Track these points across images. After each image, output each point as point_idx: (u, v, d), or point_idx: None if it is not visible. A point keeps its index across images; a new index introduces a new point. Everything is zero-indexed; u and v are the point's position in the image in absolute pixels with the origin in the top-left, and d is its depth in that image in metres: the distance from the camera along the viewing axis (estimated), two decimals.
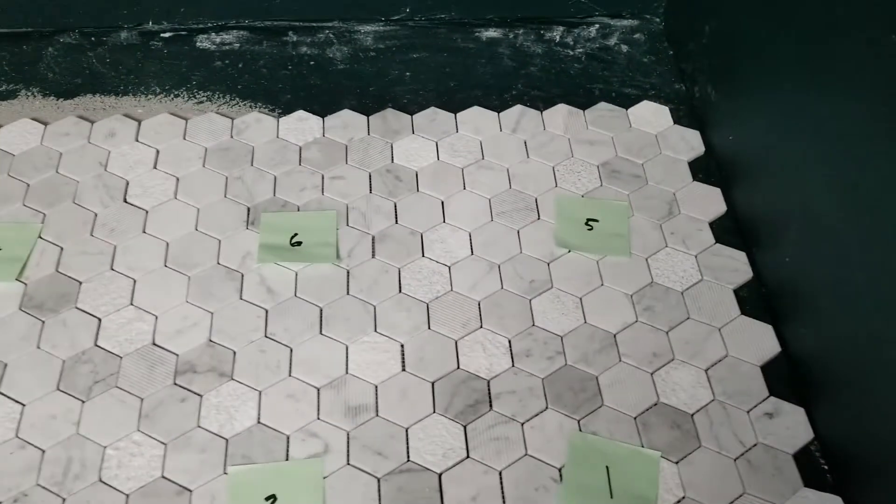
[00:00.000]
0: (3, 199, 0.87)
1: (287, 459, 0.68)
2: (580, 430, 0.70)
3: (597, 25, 1.09)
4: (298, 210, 0.87)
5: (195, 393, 0.72)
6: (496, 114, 0.97)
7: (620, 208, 0.86)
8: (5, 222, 0.85)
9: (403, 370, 0.74)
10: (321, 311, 0.79)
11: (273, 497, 0.65)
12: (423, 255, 0.83)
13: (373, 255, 0.83)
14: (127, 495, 0.66)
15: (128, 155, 0.92)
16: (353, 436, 0.70)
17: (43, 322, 0.77)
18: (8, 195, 0.88)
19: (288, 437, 0.70)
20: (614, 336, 0.77)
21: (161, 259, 0.82)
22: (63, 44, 1.07)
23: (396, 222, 0.86)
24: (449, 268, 0.82)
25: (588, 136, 0.95)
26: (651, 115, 0.97)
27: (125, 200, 0.88)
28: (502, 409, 0.72)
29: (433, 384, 0.73)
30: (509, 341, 0.76)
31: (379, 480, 0.67)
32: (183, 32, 1.08)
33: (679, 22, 1.05)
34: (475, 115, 0.97)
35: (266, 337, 0.76)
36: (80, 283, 0.80)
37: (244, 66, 1.04)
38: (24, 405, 0.71)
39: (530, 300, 0.79)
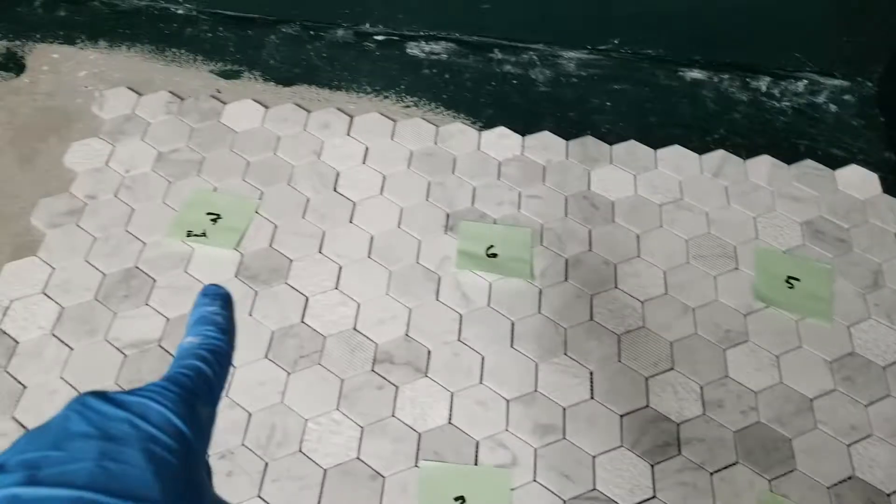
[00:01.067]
0: (225, 172, 0.92)
1: (476, 464, 0.69)
2: (771, 490, 0.69)
3: (805, 81, 1.06)
4: (495, 223, 0.89)
5: (392, 383, 0.75)
6: (697, 155, 0.96)
7: (823, 271, 0.84)
8: (227, 193, 0.89)
9: (592, 398, 0.74)
10: (513, 324, 0.80)
11: (462, 498, 0.67)
12: (616, 287, 0.83)
13: (566, 279, 0.84)
14: (324, 470, 0.69)
15: (340, 147, 0.96)
16: (540, 453, 0.70)
17: (256, 292, 0.81)
18: (230, 168, 0.92)
19: (477, 443, 0.71)
20: (811, 401, 0.75)
21: (366, 250, 0.85)
22: (285, 34, 1.12)
23: (591, 249, 0.87)
24: (642, 303, 0.82)
25: (792, 192, 0.92)
26: (859, 180, 0.94)
27: (335, 190, 0.91)
28: (691, 455, 0.71)
29: (622, 417, 0.73)
30: (701, 388, 0.75)
31: (565, 503, 0.67)
32: (395, 37, 1.12)
33: (894, 90, 1.01)
34: (675, 154, 0.96)
35: (459, 341, 0.78)
36: (291, 260, 0.84)
37: (450, 77, 1.07)
38: (234, 367, 0.75)
39: (725, 350, 0.78)
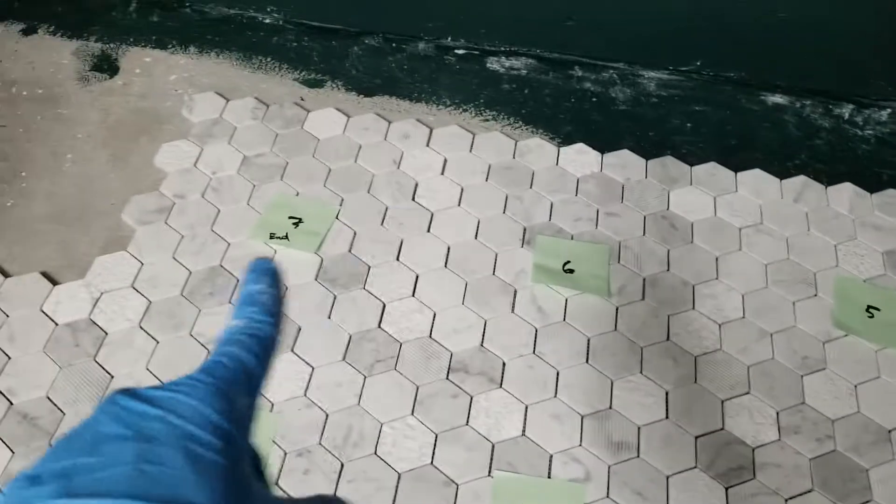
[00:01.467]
0: (307, 178, 0.93)
1: (549, 477, 0.69)
2: None
3: (889, 110, 1.04)
4: (572, 238, 0.88)
5: (466, 392, 0.75)
6: (778, 180, 0.94)
7: None
8: (309, 198, 0.91)
9: (667, 418, 0.73)
10: (588, 341, 0.79)
11: None
12: (694, 308, 0.82)
13: (643, 297, 0.83)
14: (399, 474, 0.69)
15: (419, 158, 0.96)
16: (614, 470, 0.70)
17: (335, 296, 0.82)
18: (312, 174, 0.94)
19: (551, 456, 0.70)
20: (889, 432, 0.72)
21: (442, 259, 0.86)
22: (367, 45, 1.13)
23: (668, 269, 0.86)
24: (720, 325, 0.81)
25: (874, 221, 0.90)
26: None
27: (413, 199, 0.92)
28: (766, 480, 0.69)
29: (696, 439, 0.72)
30: (777, 413, 0.74)
31: None
32: (476, 52, 1.12)
33: None
34: (756, 178, 0.95)
35: (535, 354, 0.78)
36: (370, 267, 0.85)
37: (530, 93, 1.07)
38: (313, 368, 0.76)
39: (802, 376, 0.76)
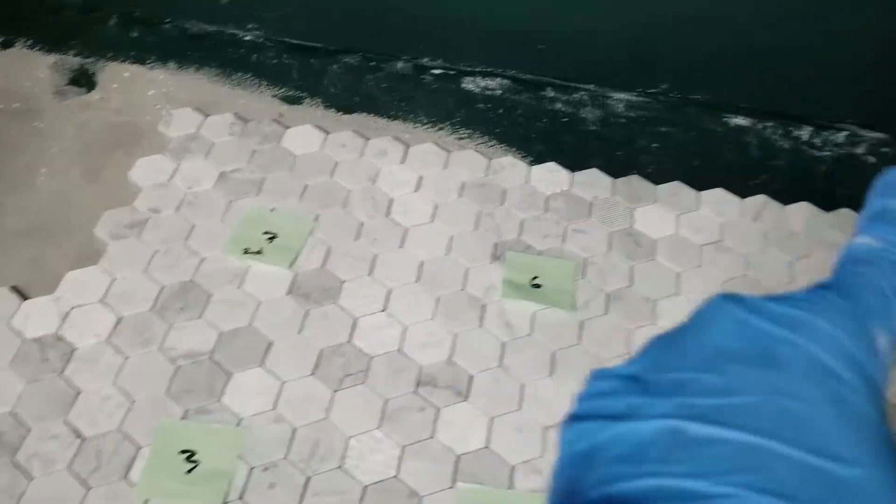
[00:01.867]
0: (284, 193, 0.93)
1: (511, 488, 0.69)
2: None
3: (846, 132, 1.06)
4: (540, 254, 0.89)
5: (433, 405, 0.74)
6: (739, 199, 0.96)
7: None
8: (284, 214, 0.91)
9: None
10: (553, 354, 0.79)
11: None
12: (656, 323, 0.83)
13: (606, 311, 0.83)
14: (364, 486, 0.69)
15: (395, 174, 0.97)
16: None
17: (307, 311, 0.82)
18: (288, 190, 0.94)
19: (513, 467, 0.70)
20: None
21: (415, 274, 0.86)
22: (346, 63, 1.14)
23: (632, 285, 0.86)
24: None
25: (830, 238, 0.91)
26: None
27: (388, 215, 0.92)
28: None
29: None
30: None
31: None
32: (452, 72, 1.13)
33: None
34: (718, 197, 0.96)
35: (501, 367, 0.78)
36: (343, 282, 0.85)
37: (504, 112, 1.08)
38: (283, 382, 0.76)
39: None
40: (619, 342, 0.81)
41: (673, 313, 0.83)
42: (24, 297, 0.81)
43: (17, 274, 0.83)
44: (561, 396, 0.75)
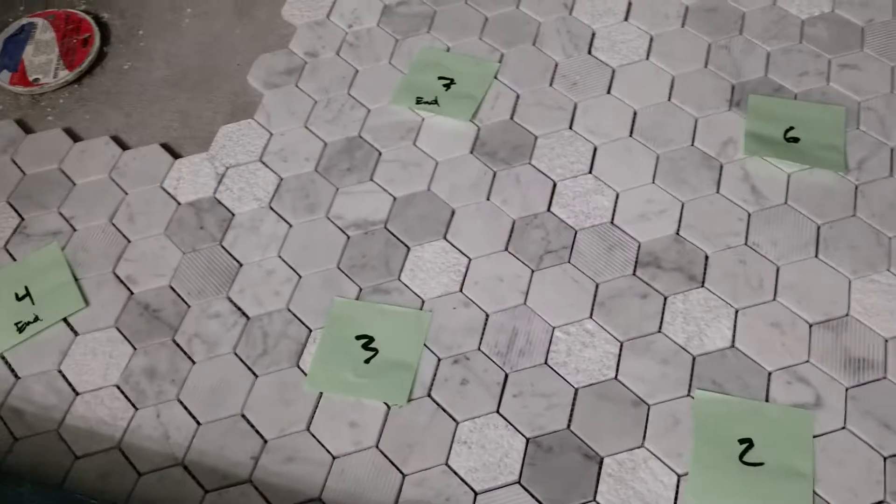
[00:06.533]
0: (460, 29, 0.83)
1: (767, 401, 0.59)
2: None
3: None
4: (795, 98, 0.74)
5: (658, 292, 0.65)
6: None
7: None
8: (461, 55, 0.81)
9: None
10: (819, 229, 0.67)
11: (749, 441, 0.57)
12: None
13: (891, 173, 0.69)
14: (576, 389, 0.61)
15: (596, 1, 0.84)
16: (852, 395, 0.59)
17: (494, 172, 0.73)
18: (465, 25, 0.84)
19: (769, 374, 0.60)
20: None
21: (627, 127, 0.75)
22: None
23: None
24: None
25: None
26: None
27: (590, 52, 0.80)
28: None
29: None
30: None
31: (885, 460, 0.56)
32: None
33: None
34: None
35: (747, 245, 0.66)
36: (536, 137, 0.75)
37: None
38: (469, 259, 0.68)
39: None
40: None
41: None
42: (176, 155, 0.77)
43: (167, 129, 0.80)
44: (831, 284, 0.63)
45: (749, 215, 0.68)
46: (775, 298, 0.64)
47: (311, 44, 0.84)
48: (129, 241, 0.72)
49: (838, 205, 0.68)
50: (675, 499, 0.56)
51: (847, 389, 0.59)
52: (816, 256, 0.66)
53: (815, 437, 0.57)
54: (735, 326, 0.63)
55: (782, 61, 0.77)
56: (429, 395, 0.62)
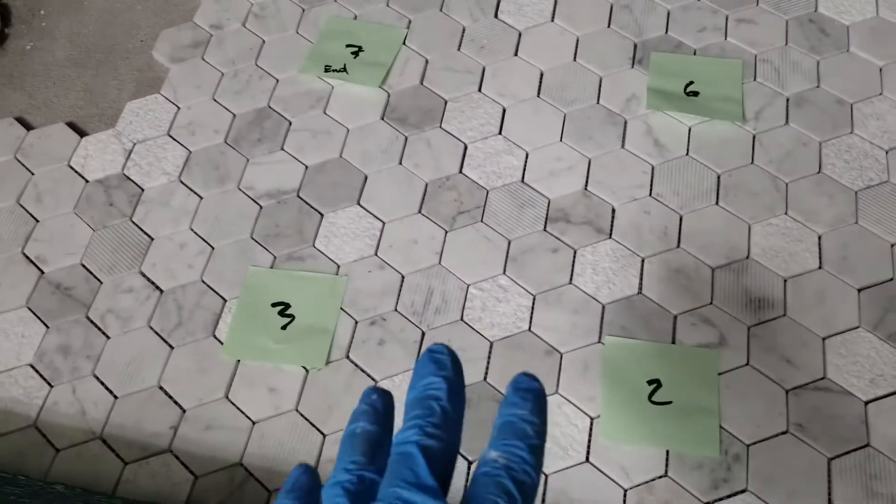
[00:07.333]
0: None
1: (674, 342, 0.61)
2: None
3: None
4: (695, 54, 0.77)
5: (568, 245, 0.67)
6: None
7: None
8: (369, 22, 0.81)
9: (820, 267, 0.64)
10: (719, 178, 0.69)
11: (657, 382, 0.59)
12: (853, 132, 0.71)
13: (786, 122, 0.72)
14: (490, 342, 0.62)
15: None
16: (754, 333, 0.61)
17: (406, 137, 0.74)
18: None
19: (675, 317, 0.63)
20: None
21: (534, 88, 0.76)
22: None
23: (818, 85, 0.74)
24: (886, 152, 0.70)
25: None
26: None
27: (496, 16, 0.81)
28: None
29: (859, 292, 0.63)
30: None
31: (787, 392, 0.59)
32: None
33: None
34: None
35: (651, 197, 0.69)
36: (446, 101, 0.76)
37: None
38: (384, 223, 0.69)
39: None
40: (805, 159, 0.70)
41: (876, 119, 0.71)
42: (82, 133, 0.76)
43: (73, 108, 0.79)
44: (731, 228, 0.66)
45: (653, 168, 0.71)
46: (679, 245, 0.66)
47: (216, 16, 0.84)
48: (37, 221, 0.71)
49: (737, 154, 0.71)
50: (589, 441, 0.58)
51: (749, 328, 0.62)
52: (717, 204, 0.68)
53: (720, 374, 0.60)
54: (642, 274, 0.65)
55: (682, 18, 0.80)
56: (347, 357, 0.63)
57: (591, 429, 0.59)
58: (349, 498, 0.26)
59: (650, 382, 0.60)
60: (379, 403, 0.29)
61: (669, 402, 0.58)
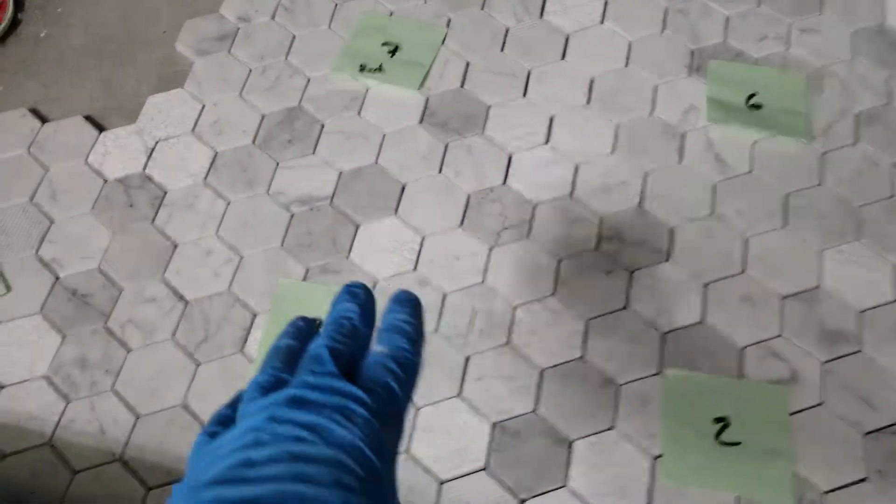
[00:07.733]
0: None
1: (741, 378, 0.56)
2: None
3: None
4: (757, 63, 0.72)
5: (622, 267, 0.62)
6: None
7: None
8: (407, 18, 0.77)
9: None
10: (786, 198, 0.65)
11: (724, 420, 0.54)
12: None
13: (856, 140, 0.67)
14: (541, 370, 0.58)
15: None
16: (827, 369, 0.57)
17: (446, 144, 0.69)
18: None
19: (742, 350, 0.58)
20: None
21: (584, 95, 0.71)
22: None
23: (890, 102, 0.69)
24: None
25: None
26: None
27: (542, 16, 0.77)
28: None
29: None
30: None
31: (864, 436, 0.54)
32: None
33: None
34: None
35: (713, 216, 0.64)
36: (489, 106, 0.71)
37: None
38: (423, 237, 0.64)
39: None
40: (877, 181, 0.65)
41: None
42: (101, 128, 0.71)
43: (90, 100, 0.74)
44: (800, 254, 0.62)
45: (715, 185, 0.66)
46: (744, 271, 0.62)
47: (243, 8, 0.79)
48: (52, 222, 0.66)
49: (805, 172, 0.67)
50: (652, 482, 0.53)
51: (822, 364, 0.57)
52: (785, 227, 0.64)
53: (791, 414, 0.55)
54: (704, 301, 0.61)
55: (741, 25, 0.75)
56: None
57: (652, 469, 0.54)
58: (262, 392, 0.30)
59: (717, 420, 0.55)
60: (302, 323, 0.34)
61: (738, 443, 0.54)
